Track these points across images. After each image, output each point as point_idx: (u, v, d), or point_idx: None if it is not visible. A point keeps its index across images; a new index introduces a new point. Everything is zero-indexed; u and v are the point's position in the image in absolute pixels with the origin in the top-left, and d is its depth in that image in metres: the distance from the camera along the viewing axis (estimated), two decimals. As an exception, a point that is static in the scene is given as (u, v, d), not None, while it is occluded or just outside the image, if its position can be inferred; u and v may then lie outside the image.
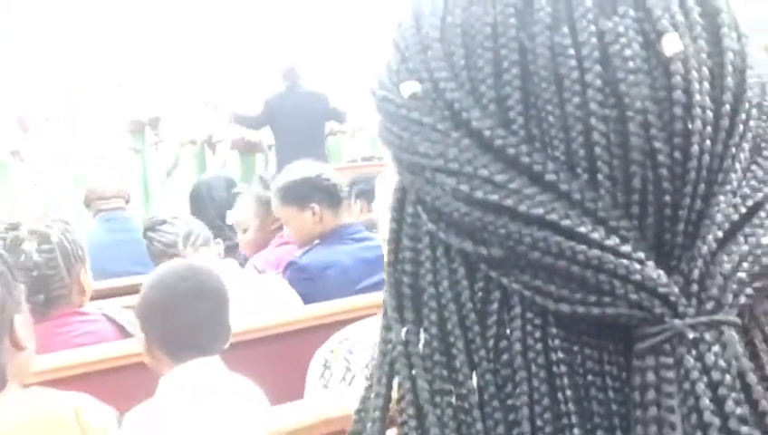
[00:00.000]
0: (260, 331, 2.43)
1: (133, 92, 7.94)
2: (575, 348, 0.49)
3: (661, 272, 0.48)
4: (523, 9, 0.50)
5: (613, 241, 0.48)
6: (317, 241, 2.84)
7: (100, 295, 2.78)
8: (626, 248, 0.48)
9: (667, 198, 0.49)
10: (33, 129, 8.15)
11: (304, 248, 2.85)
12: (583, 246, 0.47)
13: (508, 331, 0.50)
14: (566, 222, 0.48)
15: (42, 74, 10.42)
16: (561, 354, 0.49)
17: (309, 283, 2.71)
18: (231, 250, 3.25)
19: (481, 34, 0.50)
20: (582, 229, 0.48)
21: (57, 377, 1.95)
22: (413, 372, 0.52)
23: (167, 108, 8.08)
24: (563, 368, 0.49)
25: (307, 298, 2.67)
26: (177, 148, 7.85)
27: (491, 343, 0.51)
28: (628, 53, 0.48)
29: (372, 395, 0.56)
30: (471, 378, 0.51)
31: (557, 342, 0.49)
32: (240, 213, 3.29)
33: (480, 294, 0.51)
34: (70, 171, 7.31)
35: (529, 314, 0.50)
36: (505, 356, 0.50)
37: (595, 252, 0.47)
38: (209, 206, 3.79)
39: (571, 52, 0.48)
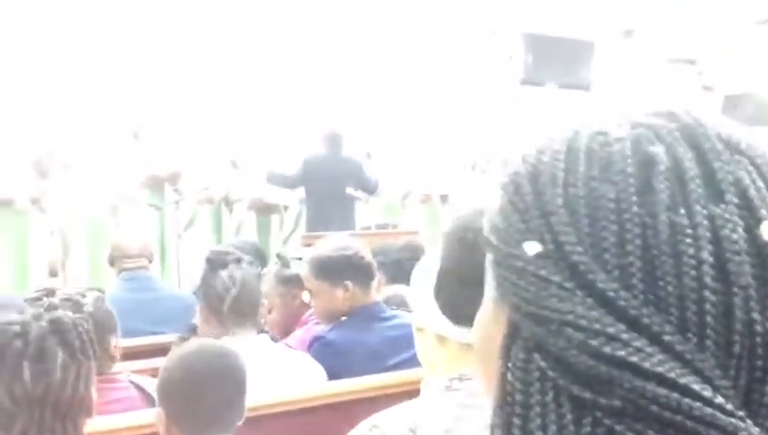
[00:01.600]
0: (284, 405, 2.44)
1: (152, 145, 8.01)
2: None
3: (758, 430, 0.55)
4: (643, 190, 0.58)
5: (720, 399, 0.55)
6: (344, 318, 2.87)
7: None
8: (730, 407, 0.55)
9: (759, 362, 0.56)
10: (52, 176, 8.23)
11: (331, 325, 2.87)
12: (698, 404, 0.54)
13: None
14: (683, 380, 0.55)
15: (61, 121, 10.55)
16: None
17: (335, 359, 2.71)
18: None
19: (605, 208, 0.58)
20: (696, 387, 0.55)
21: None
22: None
23: (186, 163, 8.16)
24: None
25: (332, 375, 2.69)
26: (194, 206, 7.91)
27: None
28: (734, 236, 0.56)
29: None
30: None
31: None
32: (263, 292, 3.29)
33: None
34: (86, 221, 7.36)
35: None
36: None
37: (708, 409, 0.54)
38: None
39: (689, 231, 0.56)
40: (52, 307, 2.28)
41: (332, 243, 3.00)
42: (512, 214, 0.61)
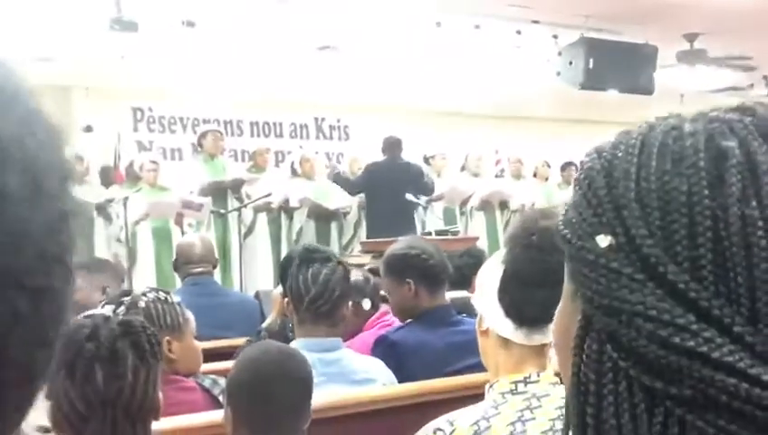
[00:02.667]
0: (346, 407, 2.45)
1: (215, 154, 8.11)
2: None
3: None
4: (715, 183, 0.58)
5: None
6: (410, 320, 2.87)
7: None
8: None
9: None
10: (117, 185, 8.40)
11: (397, 325, 2.88)
12: None
13: None
14: (753, 371, 0.55)
15: (122, 128, 10.76)
16: None
17: (397, 360, 2.72)
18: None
19: (676, 201, 0.59)
20: (767, 378, 0.55)
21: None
22: None
23: (249, 172, 8.25)
24: None
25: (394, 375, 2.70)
26: (254, 213, 8.01)
27: None
28: None
29: None
30: None
31: None
32: None
33: (658, 427, 0.58)
34: (151, 228, 7.49)
35: None
36: None
37: None
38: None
39: (760, 223, 0.57)
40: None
41: (404, 242, 3.03)
42: (585, 208, 0.63)
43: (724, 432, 0.56)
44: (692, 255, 0.57)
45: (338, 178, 8.16)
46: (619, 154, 0.63)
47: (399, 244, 3.02)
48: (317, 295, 2.56)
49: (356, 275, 3.18)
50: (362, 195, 8.20)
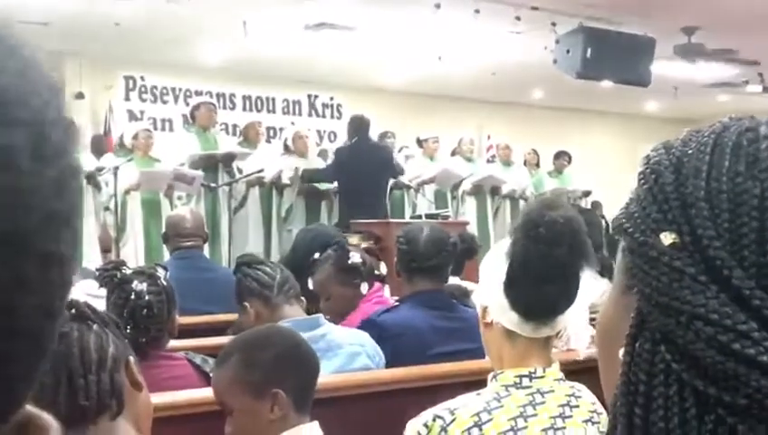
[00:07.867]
0: (333, 390, 2.42)
1: (207, 127, 8.05)
2: None
3: None
4: None
5: None
6: (397, 302, 2.87)
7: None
8: None
9: None
10: (108, 154, 8.32)
11: (384, 307, 2.89)
12: None
13: None
14: None
15: (114, 97, 10.67)
16: None
17: (382, 342, 2.71)
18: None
19: (748, 204, 0.56)
20: None
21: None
22: None
23: (241, 146, 8.19)
24: None
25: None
26: (246, 188, 7.95)
27: None
28: None
29: None
30: None
31: None
32: (320, 279, 3.23)
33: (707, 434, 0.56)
34: (141, 199, 7.43)
35: None
36: None
37: None
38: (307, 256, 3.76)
39: None
40: (126, 279, 2.30)
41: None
42: (650, 203, 0.60)
43: None
44: (760, 261, 0.55)
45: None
46: (690, 151, 0.60)
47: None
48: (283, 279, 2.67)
49: (354, 257, 3.17)
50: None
